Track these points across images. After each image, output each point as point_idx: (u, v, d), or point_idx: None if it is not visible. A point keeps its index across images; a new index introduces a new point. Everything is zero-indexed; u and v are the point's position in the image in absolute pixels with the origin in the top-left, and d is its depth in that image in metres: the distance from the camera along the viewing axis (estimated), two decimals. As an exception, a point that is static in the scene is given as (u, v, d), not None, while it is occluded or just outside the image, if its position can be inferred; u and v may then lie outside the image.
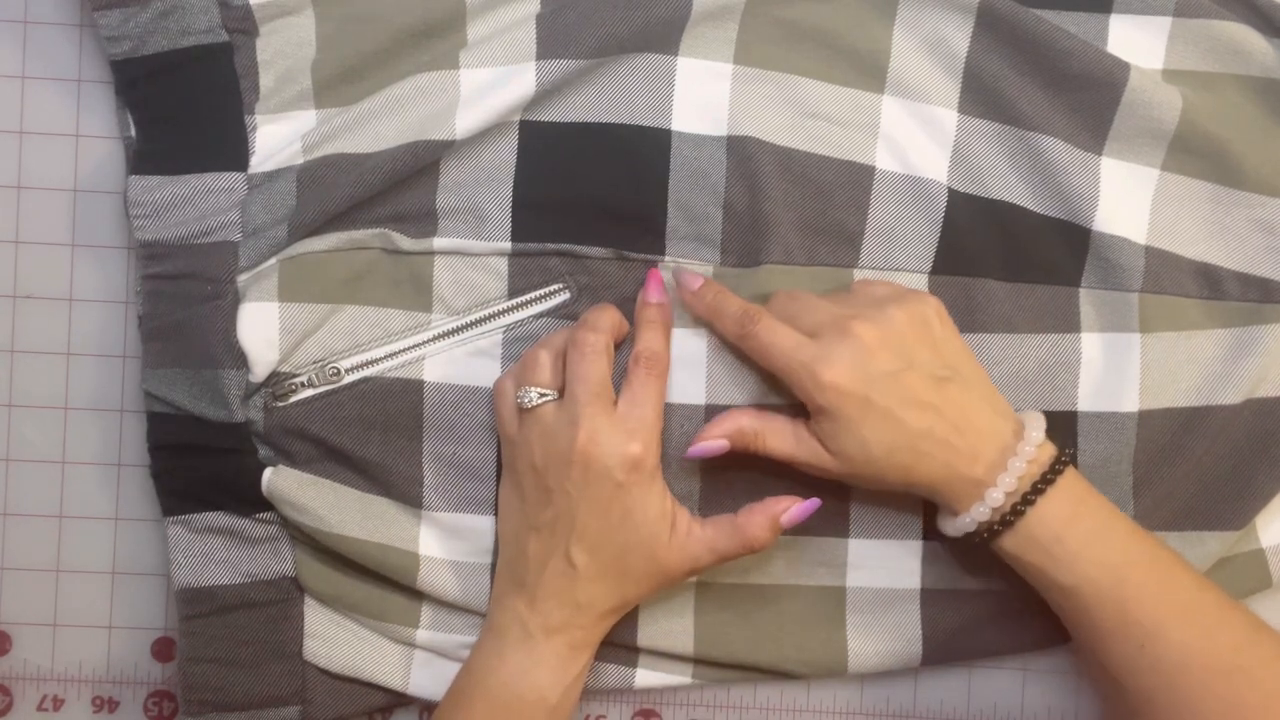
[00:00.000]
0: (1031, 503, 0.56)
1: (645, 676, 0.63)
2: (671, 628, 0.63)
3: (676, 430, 0.61)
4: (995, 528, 0.57)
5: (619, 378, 0.59)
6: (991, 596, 0.63)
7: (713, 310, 0.60)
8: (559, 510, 0.57)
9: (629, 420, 0.57)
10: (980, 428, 0.56)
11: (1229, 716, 0.54)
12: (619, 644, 0.62)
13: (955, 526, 0.58)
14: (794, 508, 0.58)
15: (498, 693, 0.57)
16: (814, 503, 0.59)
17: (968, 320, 0.62)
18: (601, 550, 0.57)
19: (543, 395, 0.58)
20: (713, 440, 0.58)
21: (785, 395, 0.61)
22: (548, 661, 0.57)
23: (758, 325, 0.58)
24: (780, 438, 0.58)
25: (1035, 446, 0.56)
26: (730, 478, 0.62)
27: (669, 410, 0.61)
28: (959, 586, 0.63)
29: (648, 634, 0.62)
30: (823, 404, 0.56)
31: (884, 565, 0.63)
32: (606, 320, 0.59)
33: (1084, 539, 0.56)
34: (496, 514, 0.62)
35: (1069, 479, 0.57)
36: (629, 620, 0.62)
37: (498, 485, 0.62)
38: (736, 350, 0.61)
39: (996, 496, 0.56)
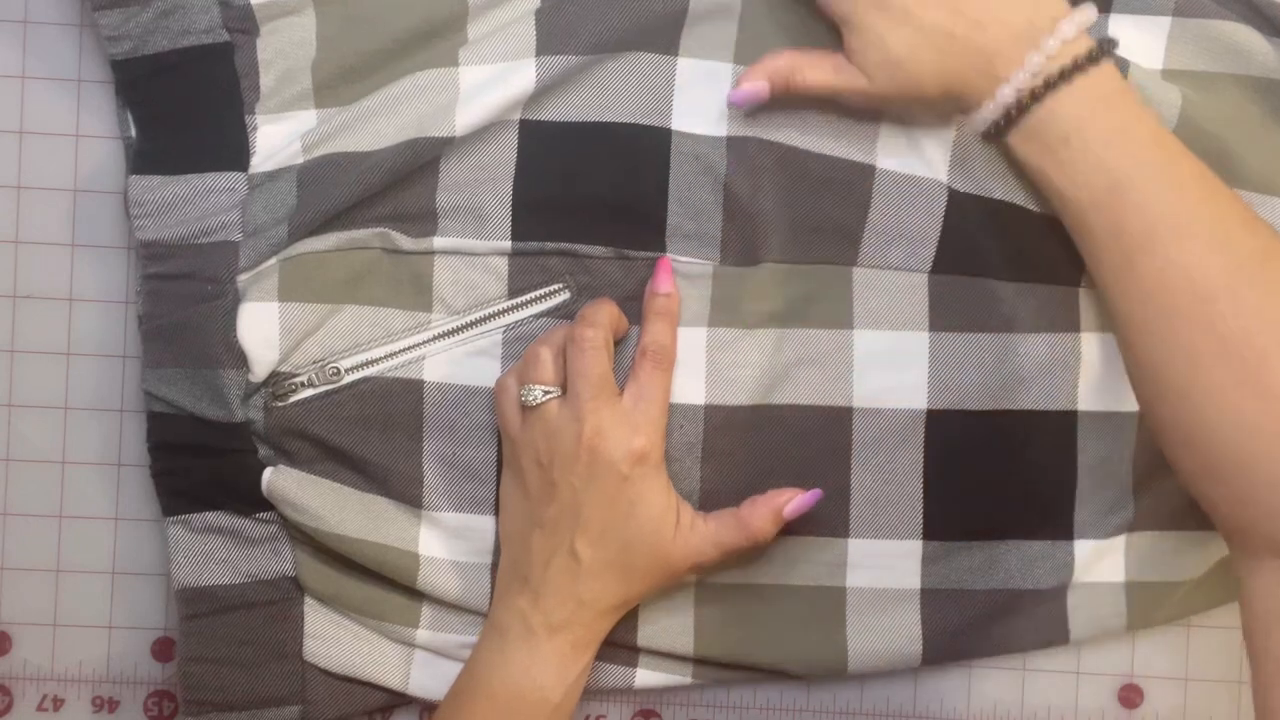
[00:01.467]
0: (1039, 99, 0.53)
1: (645, 676, 0.63)
2: (671, 627, 0.63)
3: (676, 430, 0.61)
4: (1001, 124, 0.54)
5: (622, 373, 0.59)
6: (991, 596, 0.63)
7: None
8: (564, 505, 0.57)
9: (634, 414, 0.57)
10: (1006, 20, 0.54)
11: (1201, 346, 0.49)
12: (619, 644, 0.62)
13: (971, 125, 0.56)
14: (796, 499, 0.59)
15: (499, 691, 0.57)
16: (815, 494, 0.59)
17: (967, 319, 0.62)
18: (606, 545, 0.57)
19: (547, 393, 0.58)
20: (752, 84, 0.58)
21: (787, 394, 0.61)
22: (550, 660, 0.57)
23: None
24: (819, 70, 0.57)
25: (1061, 41, 0.53)
26: (730, 475, 0.62)
27: (670, 411, 0.60)
28: (959, 586, 0.63)
29: (647, 634, 0.62)
30: (841, 13, 0.56)
31: (884, 565, 0.63)
32: (604, 315, 0.59)
33: (1092, 141, 0.52)
34: (497, 513, 0.62)
35: (1098, 78, 0.53)
36: (629, 620, 0.62)
37: (498, 485, 0.62)
38: (736, 350, 0.61)
39: (1007, 93, 0.53)
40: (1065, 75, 0.53)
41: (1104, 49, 0.54)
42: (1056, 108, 0.53)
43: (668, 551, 0.57)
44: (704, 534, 0.58)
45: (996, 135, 0.55)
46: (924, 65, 0.55)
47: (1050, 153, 0.53)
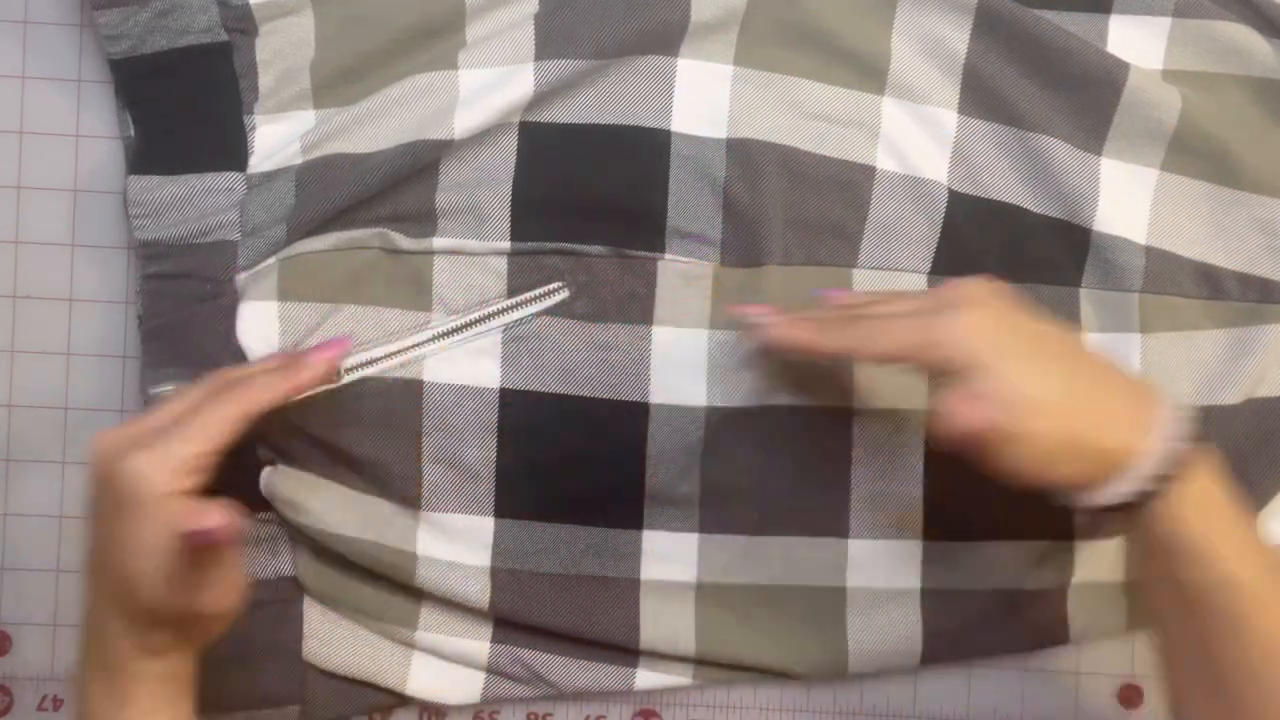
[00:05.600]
0: (1161, 490, 0.51)
1: (645, 677, 0.63)
2: (672, 629, 0.63)
3: (677, 432, 0.61)
4: (1134, 504, 0.51)
5: (624, 376, 0.59)
6: (991, 596, 0.63)
7: (808, 338, 0.55)
8: None
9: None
10: (1120, 401, 0.51)
11: None
12: (619, 645, 0.62)
13: (1093, 498, 0.52)
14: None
15: None
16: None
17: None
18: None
19: None
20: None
21: (787, 395, 0.61)
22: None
23: (873, 326, 0.53)
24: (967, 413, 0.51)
25: (1171, 430, 0.51)
26: (731, 476, 0.62)
27: (670, 414, 0.61)
28: (959, 586, 0.63)
29: (648, 635, 0.62)
30: (985, 358, 0.50)
31: (884, 565, 0.63)
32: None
33: (1226, 532, 0.52)
34: (496, 514, 0.62)
35: (1207, 468, 0.52)
36: (629, 622, 0.62)
37: (497, 485, 0.62)
38: (737, 350, 0.61)
39: (1141, 472, 0.50)
40: (1181, 464, 0.51)
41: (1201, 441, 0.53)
42: (1186, 502, 0.51)
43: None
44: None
45: (1129, 514, 0.52)
46: (1077, 424, 0.51)
47: (1195, 545, 0.52)
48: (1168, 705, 0.55)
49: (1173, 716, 0.55)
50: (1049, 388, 0.51)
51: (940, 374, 0.52)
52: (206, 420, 0.52)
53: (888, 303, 0.55)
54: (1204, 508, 0.52)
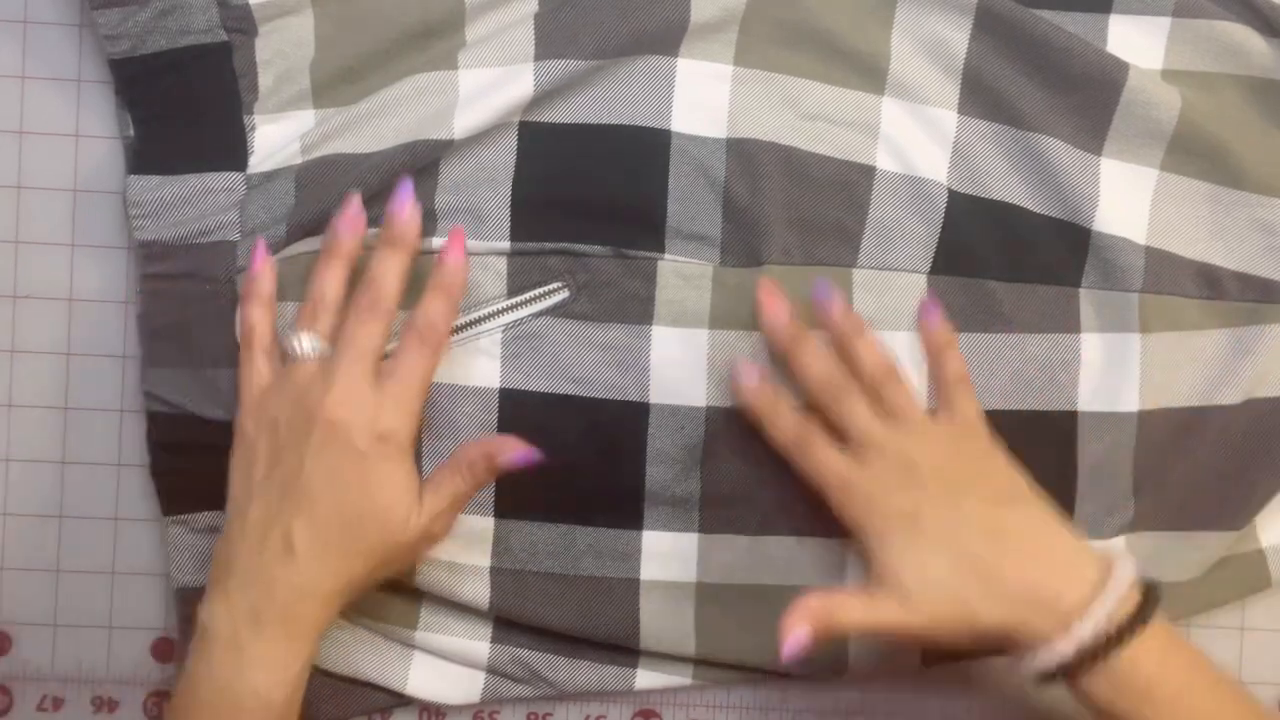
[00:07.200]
0: (1123, 642, 0.52)
1: (645, 678, 0.63)
2: (673, 629, 0.63)
3: (677, 432, 0.61)
4: (1077, 667, 0.52)
5: (624, 370, 0.59)
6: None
7: (767, 414, 0.59)
8: (287, 479, 0.53)
9: (384, 390, 0.54)
10: (1060, 559, 0.54)
11: None
12: (619, 645, 0.62)
13: (1032, 665, 0.53)
14: (513, 452, 0.57)
15: (215, 704, 0.52)
16: (535, 453, 0.57)
17: (967, 320, 0.62)
18: (327, 525, 0.53)
19: (314, 348, 0.55)
20: (795, 636, 0.53)
21: (787, 395, 0.61)
22: (263, 659, 0.52)
23: (810, 446, 0.57)
24: (849, 608, 0.54)
25: (1127, 585, 0.53)
26: (731, 476, 0.62)
27: (670, 414, 0.61)
28: (959, 586, 0.63)
29: (648, 635, 0.62)
30: (875, 529, 0.55)
31: (884, 565, 0.63)
32: (394, 272, 0.56)
33: (1177, 688, 0.52)
34: (497, 514, 0.62)
35: (1160, 623, 0.53)
36: (629, 622, 0.62)
37: (497, 486, 0.61)
38: (737, 351, 0.61)
39: (1084, 633, 0.52)
40: (1140, 619, 0.52)
41: (1157, 591, 0.54)
42: (1140, 655, 0.52)
43: (397, 539, 0.54)
44: (430, 510, 0.55)
45: (1071, 678, 0.53)
46: (964, 596, 0.53)
47: (1142, 699, 0.52)
48: None
49: None
50: (949, 569, 0.54)
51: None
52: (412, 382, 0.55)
53: (846, 395, 0.58)
54: (1164, 664, 0.52)
